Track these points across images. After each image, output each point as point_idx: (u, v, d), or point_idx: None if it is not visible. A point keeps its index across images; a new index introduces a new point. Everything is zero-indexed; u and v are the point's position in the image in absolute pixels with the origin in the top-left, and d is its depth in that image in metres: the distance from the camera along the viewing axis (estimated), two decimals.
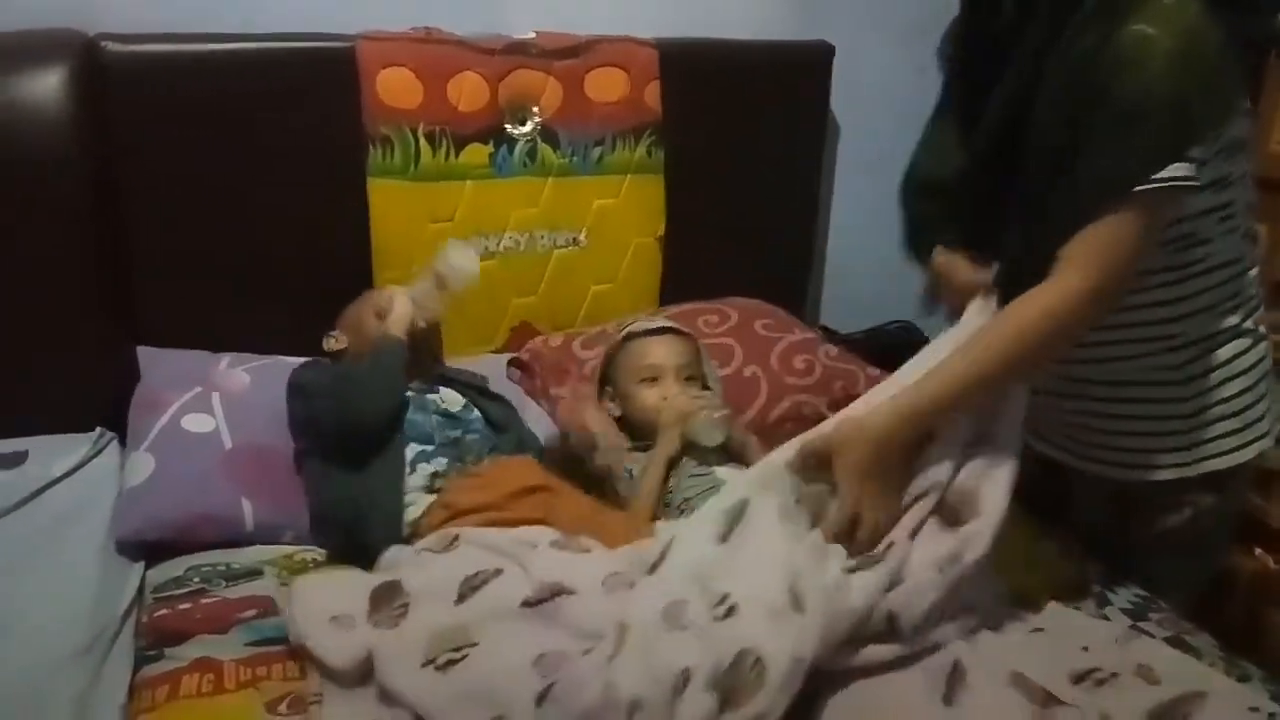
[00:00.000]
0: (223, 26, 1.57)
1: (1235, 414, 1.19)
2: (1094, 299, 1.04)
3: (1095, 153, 1.03)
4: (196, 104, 1.54)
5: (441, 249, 1.54)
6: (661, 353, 1.48)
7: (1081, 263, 1.04)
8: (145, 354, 1.55)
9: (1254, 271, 1.20)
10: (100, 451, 1.49)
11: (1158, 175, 1.00)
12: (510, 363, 1.75)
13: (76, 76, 1.46)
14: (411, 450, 1.37)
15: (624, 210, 1.85)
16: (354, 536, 1.30)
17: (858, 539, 1.07)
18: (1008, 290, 1.13)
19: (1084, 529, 1.35)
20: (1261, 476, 1.88)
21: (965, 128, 1.17)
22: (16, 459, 1.44)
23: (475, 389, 1.56)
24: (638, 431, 1.47)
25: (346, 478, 1.35)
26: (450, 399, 1.51)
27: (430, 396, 1.48)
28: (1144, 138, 1.00)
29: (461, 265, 1.51)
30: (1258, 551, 1.88)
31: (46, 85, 1.45)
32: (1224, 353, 1.18)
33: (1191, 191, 1.04)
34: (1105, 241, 1.03)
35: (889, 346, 1.95)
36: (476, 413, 1.50)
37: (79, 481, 1.43)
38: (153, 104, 1.52)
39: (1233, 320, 1.18)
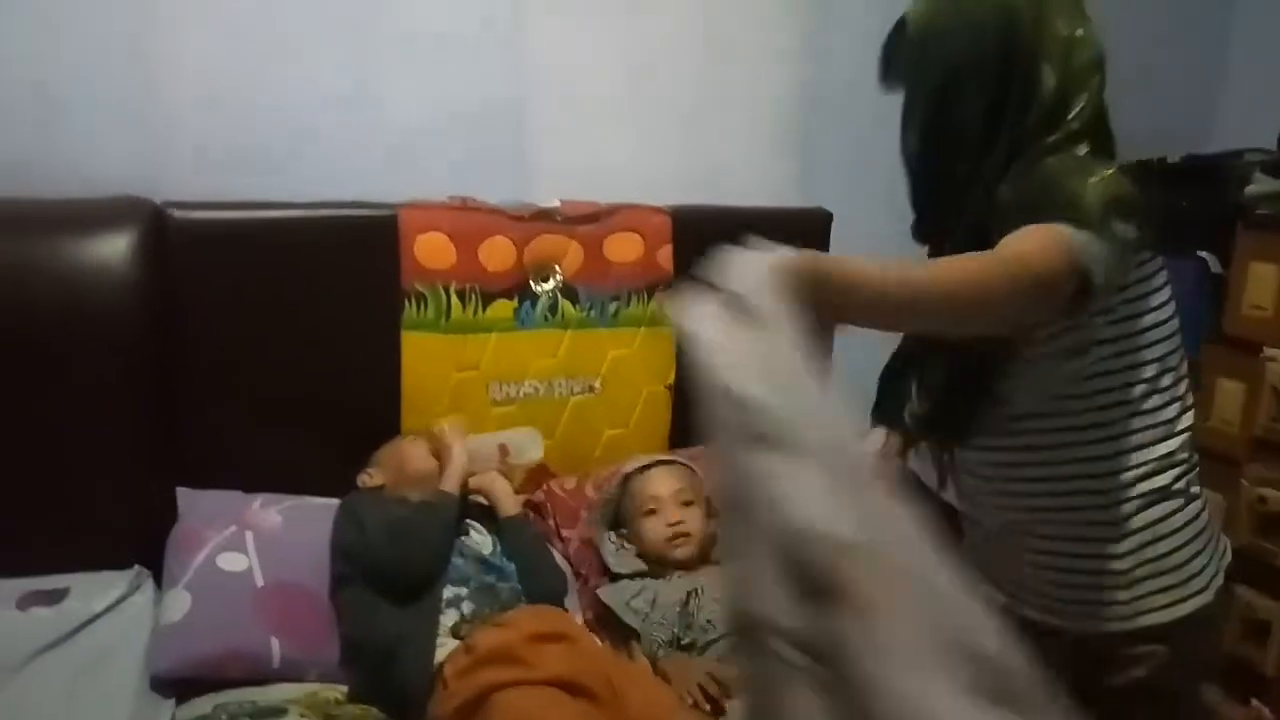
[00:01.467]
0: (278, 195, 1.73)
1: (1171, 570, 1.24)
2: (1008, 275, 1.03)
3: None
4: (250, 264, 1.68)
5: (519, 430, 1.73)
6: (657, 484, 1.58)
7: (1013, 244, 1.06)
8: (184, 495, 1.64)
9: (1183, 436, 1.25)
10: (137, 589, 1.56)
11: (1063, 229, 1.06)
12: (526, 504, 1.84)
13: (143, 240, 1.61)
14: (448, 592, 1.44)
15: (637, 360, 1.97)
16: (382, 672, 1.36)
17: None
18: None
19: (1074, 691, 1.38)
20: (1252, 627, 1.94)
21: None
22: (58, 596, 1.51)
23: (496, 521, 1.65)
24: (651, 561, 1.54)
25: (382, 612, 1.42)
26: (481, 541, 1.59)
27: (465, 540, 1.57)
28: (1064, 193, 1.09)
29: (531, 452, 1.69)
30: (1254, 702, 1.91)
31: (115, 248, 1.59)
32: (1156, 512, 1.23)
33: (1089, 275, 1.06)
34: (1027, 238, 1.06)
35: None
36: (510, 564, 1.58)
37: (116, 618, 1.49)
38: (211, 264, 1.66)
39: (1163, 481, 1.23)
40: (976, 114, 1.18)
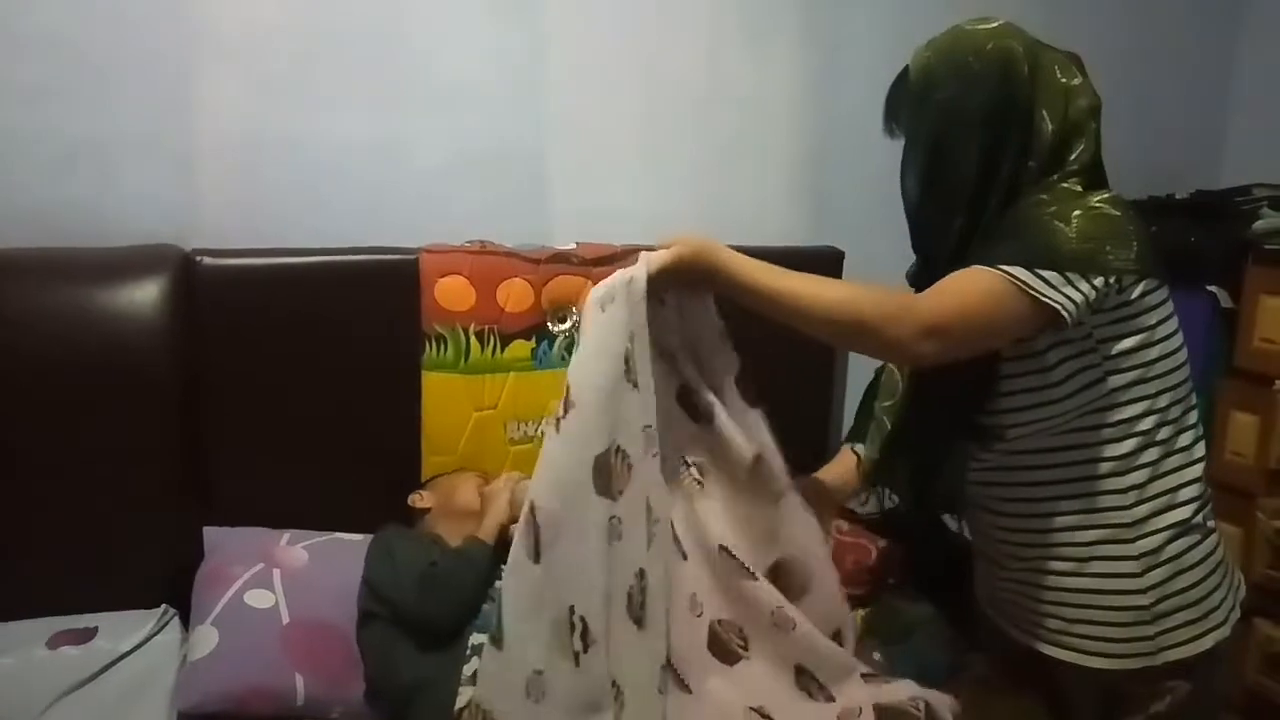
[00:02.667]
0: (304, 241, 1.79)
1: (1192, 604, 1.24)
2: (925, 327, 1.13)
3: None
4: (277, 308, 1.73)
5: None
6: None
7: (921, 299, 1.16)
8: (211, 533, 1.67)
9: (1198, 468, 1.27)
10: (164, 627, 1.59)
11: (1010, 269, 1.13)
12: None
13: (174, 287, 1.66)
14: (475, 639, 1.45)
15: None
16: (401, 714, 1.38)
17: None
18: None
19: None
20: (1271, 660, 1.93)
21: None
22: (87, 635, 1.54)
23: None
24: None
25: (405, 654, 1.44)
26: None
27: (497, 584, 1.58)
28: (1012, 243, 1.16)
29: None
30: None
31: (147, 294, 1.65)
32: (1177, 546, 1.24)
33: (1056, 316, 1.13)
34: (956, 291, 1.15)
35: (903, 526, 2.04)
36: None
37: (143, 657, 1.52)
38: (239, 309, 1.71)
39: (1184, 514, 1.24)
40: (972, 162, 1.22)
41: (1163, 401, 1.23)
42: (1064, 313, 1.14)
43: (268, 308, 1.72)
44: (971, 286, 1.15)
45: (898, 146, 2.10)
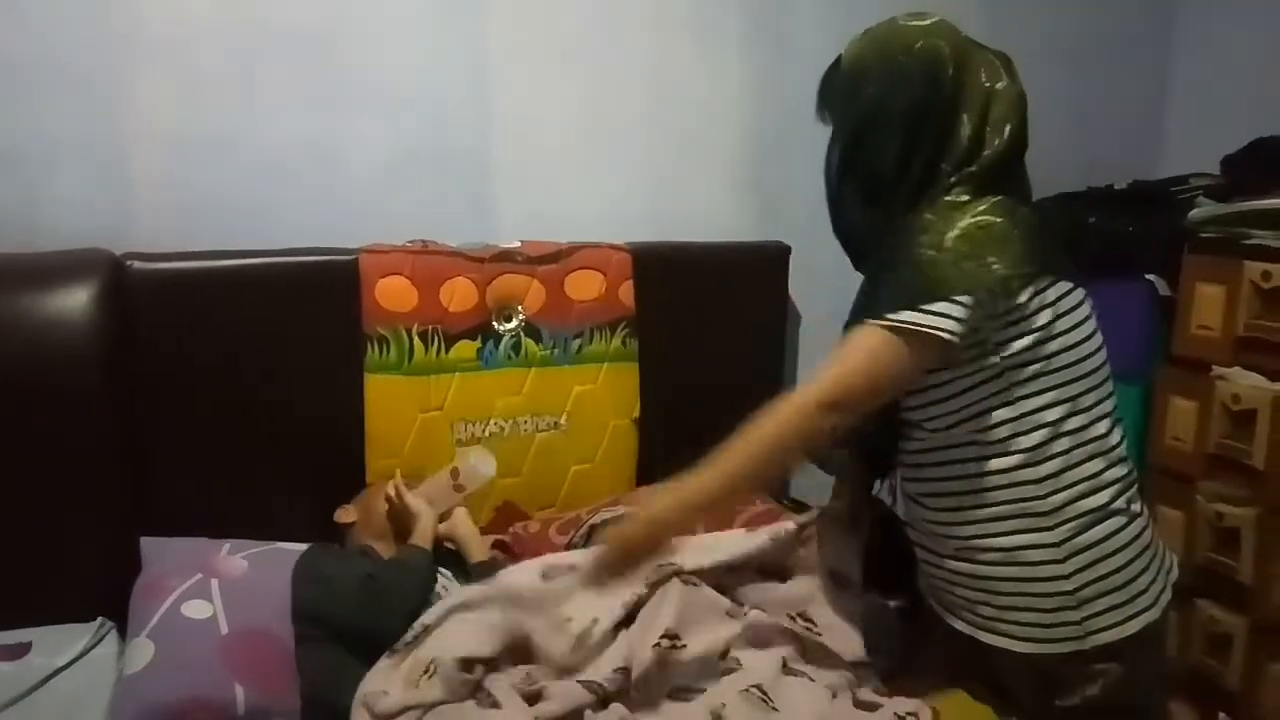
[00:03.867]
0: (239, 244, 1.75)
1: (1117, 589, 1.27)
2: (821, 407, 1.21)
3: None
4: (212, 313, 1.70)
5: (464, 456, 1.72)
6: None
7: (819, 376, 1.23)
8: (149, 544, 1.63)
9: (1116, 453, 1.30)
10: (100, 641, 1.55)
11: (894, 315, 1.20)
12: (494, 544, 1.85)
13: (104, 292, 1.62)
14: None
15: (601, 395, 1.99)
16: None
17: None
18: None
19: (1029, 712, 1.39)
20: (1214, 640, 1.96)
21: None
22: (20, 650, 1.50)
23: (465, 567, 1.66)
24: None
25: (347, 674, 1.42)
26: (451, 587, 1.60)
27: (434, 587, 1.57)
28: (892, 287, 1.22)
29: (482, 470, 1.68)
30: (1221, 716, 1.93)
31: (76, 300, 1.60)
32: (1097, 531, 1.27)
33: (943, 341, 1.19)
34: (841, 359, 1.23)
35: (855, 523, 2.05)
36: None
37: (79, 671, 1.48)
38: (172, 314, 1.68)
39: (1102, 499, 1.27)
40: (889, 158, 1.28)
41: (1071, 392, 1.26)
42: (948, 336, 1.19)
43: (202, 312, 1.69)
44: (853, 351, 1.23)
45: None
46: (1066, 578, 1.27)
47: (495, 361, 1.90)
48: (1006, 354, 1.24)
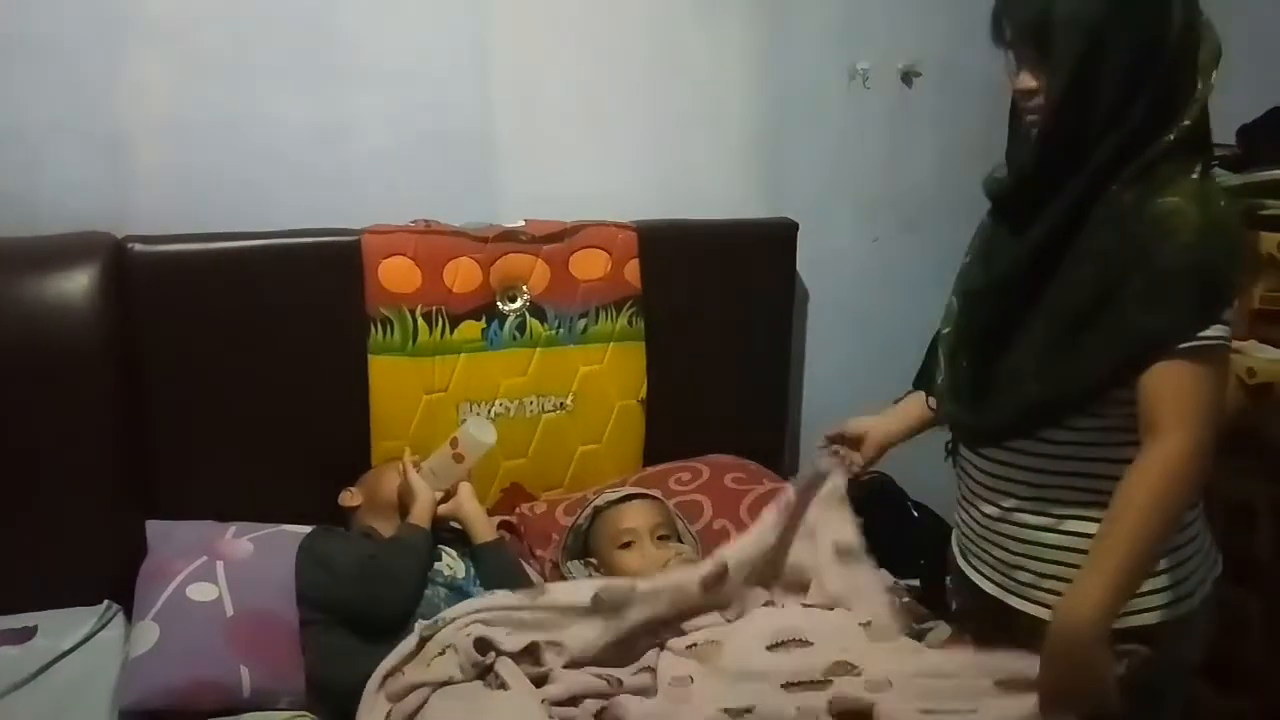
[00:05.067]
0: (241, 224, 1.74)
1: (1161, 572, 1.23)
2: (1199, 451, 1.10)
3: (1136, 312, 1.11)
4: (215, 295, 1.69)
5: (462, 425, 1.68)
6: (633, 517, 1.59)
7: (1176, 421, 1.10)
8: (154, 527, 1.63)
9: None
10: (106, 624, 1.55)
11: (1204, 334, 1.10)
12: (500, 525, 1.84)
13: (106, 275, 1.61)
14: (418, 625, 1.43)
15: (607, 376, 1.97)
16: (353, 711, 1.36)
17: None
18: (1012, 426, 1.24)
19: None
20: (1230, 617, 1.93)
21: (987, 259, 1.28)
22: (26, 634, 1.50)
23: (471, 547, 1.65)
24: None
25: (353, 653, 1.42)
26: (455, 566, 1.59)
27: (437, 565, 1.56)
28: (1186, 299, 1.10)
29: (480, 438, 1.66)
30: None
31: (78, 283, 1.60)
32: None
33: (1229, 350, 1.12)
34: (1189, 396, 1.10)
35: (864, 496, 2.03)
36: (479, 587, 1.58)
37: (85, 654, 1.49)
38: (175, 297, 1.67)
39: None
40: (1112, 93, 1.13)
41: None
42: (1228, 342, 1.13)
43: (205, 295, 1.68)
44: (1190, 392, 1.11)
45: (852, 116, 2.03)
46: None
47: (500, 342, 1.88)
48: None
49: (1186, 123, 1.13)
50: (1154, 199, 1.12)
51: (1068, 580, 1.25)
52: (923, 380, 1.49)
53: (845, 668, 1.30)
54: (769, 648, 1.35)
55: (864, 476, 1.85)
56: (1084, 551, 1.24)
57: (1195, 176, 1.13)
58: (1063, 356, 1.18)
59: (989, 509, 1.31)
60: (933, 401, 1.41)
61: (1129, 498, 1.13)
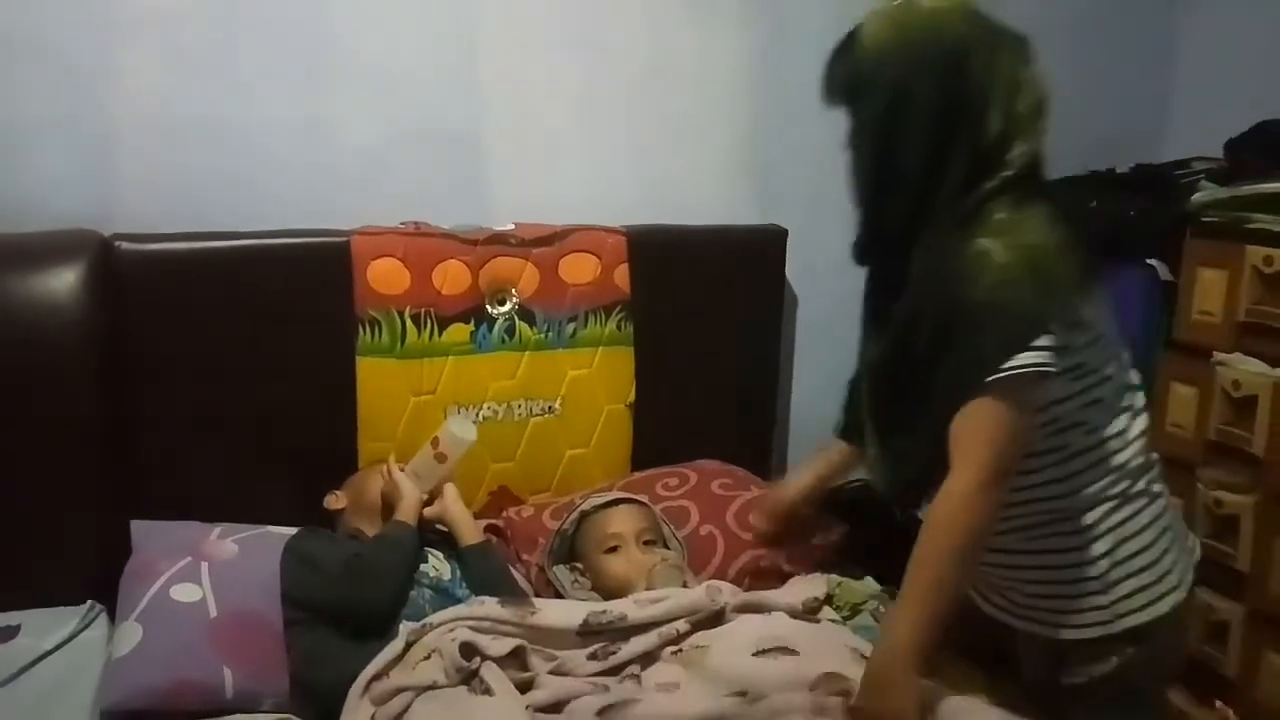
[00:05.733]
0: (228, 224, 1.73)
1: (1144, 569, 1.28)
2: (991, 484, 1.16)
3: (952, 352, 1.17)
4: (202, 294, 1.68)
5: (443, 424, 1.68)
6: (620, 522, 1.60)
7: (969, 457, 1.16)
8: (139, 527, 1.62)
9: (1138, 441, 1.30)
10: (89, 624, 1.54)
11: (1005, 365, 1.14)
12: (486, 529, 1.83)
13: (92, 273, 1.60)
14: (404, 627, 1.44)
15: (596, 380, 1.97)
16: (332, 711, 1.35)
17: None
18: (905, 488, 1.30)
19: (1028, 683, 1.41)
20: (1212, 628, 1.95)
21: (875, 325, 1.33)
22: (8, 634, 1.49)
23: (457, 549, 1.65)
24: (606, 597, 1.55)
25: (337, 654, 1.41)
26: (441, 568, 1.59)
27: (423, 567, 1.56)
28: (988, 335, 1.15)
29: (461, 436, 1.65)
30: (1218, 704, 1.92)
31: (64, 281, 1.59)
32: (1120, 514, 1.28)
33: (1046, 376, 1.16)
34: (980, 432, 1.15)
35: (849, 503, 2.04)
36: (465, 589, 1.58)
37: (68, 654, 1.48)
38: (161, 296, 1.66)
39: (1123, 486, 1.27)
40: (922, 154, 1.18)
41: (1097, 394, 1.25)
42: (1055, 369, 1.16)
43: (192, 294, 1.67)
44: (985, 423, 1.15)
45: (843, 123, 2.09)
46: (1093, 562, 1.27)
47: (489, 345, 1.88)
48: (1087, 369, 1.23)
49: (1009, 172, 1.18)
50: (964, 244, 1.17)
51: (1064, 597, 1.29)
52: (846, 431, 1.59)
53: (835, 679, 1.30)
54: (755, 654, 1.35)
55: (847, 486, 1.89)
56: (1067, 568, 1.28)
57: (1005, 215, 1.17)
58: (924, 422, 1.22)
59: (999, 556, 1.33)
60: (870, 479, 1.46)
61: (925, 534, 1.19)
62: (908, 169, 1.19)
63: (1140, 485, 1.28)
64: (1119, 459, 1.27)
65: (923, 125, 1.18)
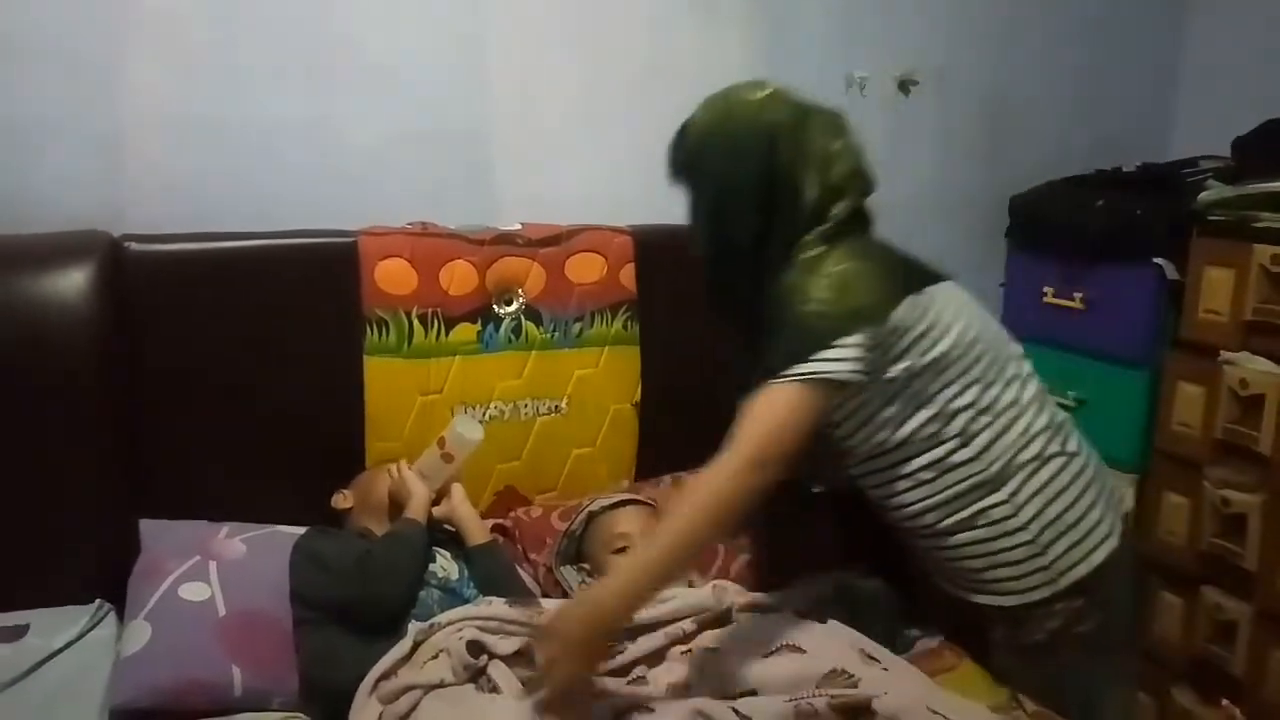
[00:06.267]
0: (237, 224, 1.74)
1: (1074, 525, 1.37)
2: (748, 467, 1.24)
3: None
4: (210, 294, 1.69)
5: (450, 424, 1.69)
6: (627, 522, 1.60)
7: (736, 439, 1.27)
8: (147, 526, 1.63)
9: (1034, 405, 1.39)
10: (98, 623, 1.54)
11: (790, 370, 1.26)
12: (494, 528, 1.84)
13: (102, 274, 1.61)
14: (412, 627, 1.44)
15: (602, 379, 1.97)
16: (345, 711, 1.36)
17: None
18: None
19: (999, 651, 1.49)
20: (1220, 627, 1.95)
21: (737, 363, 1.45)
22: (17, 633, 1.49)
23: (465, 549, 1.65)
24: None
25: (346, 653, 1.42)
26: (449, 568, 1.59)
27: (431, 567, 1.57)
28: (781, 346, 1.29)
29: (468, 436, 1.66)
30: (1225, 703, 1.92)
31: (74, 282, 1.59)
32: (1040, 478, 1.37)
33: (831, 383, 1.27)
34: (754, 421, 1.27)
35: (854, 503, 2.03)
36: (473, 589, 1.58)
37: (77, 653, 1.48)
38: (170, 296, 1.66)
39: (1034, 450, 1.37)
40: (749, 225, 1.37)
41: (976, 374, 1.36)
42: (845, 376, 1.27)
43: (201, 294, 1.68)
44: (765, 409, 1.27)
45: (859, 119, 2.14)
46: (1025, 528, 1.37)
47: (495, 345, 1.89)
48: (901, 368, 1.34)
49: (824, 227, 1.35)
50: (781, 283, 1.34)
51: (1007, 564, 1.39)
52: None
53: (842, 676, 1.30)
54: (765, 656, 1.35)
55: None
56: (1002, 536, 1.38)
57: (813, 253, 1.34)
58: None
59: (908, 525, 1.44)
60: None
61: (680, 501, 1.30)
62: (739, 239, 1.37)
63: (1054, 447, 1.38)
64: (1020, 426, 1.37)
65: (747, 202, 1.36)
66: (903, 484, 1.40)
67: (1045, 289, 2.26)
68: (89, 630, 1.53)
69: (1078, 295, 2.20)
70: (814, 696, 1.25)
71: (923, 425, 1.35)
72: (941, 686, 1.38)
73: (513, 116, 2.00)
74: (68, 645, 1.49)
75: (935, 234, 2.37)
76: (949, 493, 1.38)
